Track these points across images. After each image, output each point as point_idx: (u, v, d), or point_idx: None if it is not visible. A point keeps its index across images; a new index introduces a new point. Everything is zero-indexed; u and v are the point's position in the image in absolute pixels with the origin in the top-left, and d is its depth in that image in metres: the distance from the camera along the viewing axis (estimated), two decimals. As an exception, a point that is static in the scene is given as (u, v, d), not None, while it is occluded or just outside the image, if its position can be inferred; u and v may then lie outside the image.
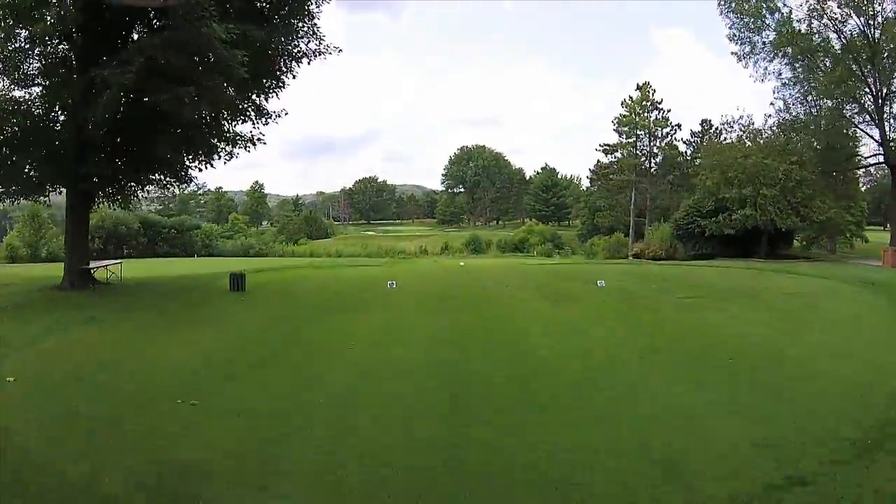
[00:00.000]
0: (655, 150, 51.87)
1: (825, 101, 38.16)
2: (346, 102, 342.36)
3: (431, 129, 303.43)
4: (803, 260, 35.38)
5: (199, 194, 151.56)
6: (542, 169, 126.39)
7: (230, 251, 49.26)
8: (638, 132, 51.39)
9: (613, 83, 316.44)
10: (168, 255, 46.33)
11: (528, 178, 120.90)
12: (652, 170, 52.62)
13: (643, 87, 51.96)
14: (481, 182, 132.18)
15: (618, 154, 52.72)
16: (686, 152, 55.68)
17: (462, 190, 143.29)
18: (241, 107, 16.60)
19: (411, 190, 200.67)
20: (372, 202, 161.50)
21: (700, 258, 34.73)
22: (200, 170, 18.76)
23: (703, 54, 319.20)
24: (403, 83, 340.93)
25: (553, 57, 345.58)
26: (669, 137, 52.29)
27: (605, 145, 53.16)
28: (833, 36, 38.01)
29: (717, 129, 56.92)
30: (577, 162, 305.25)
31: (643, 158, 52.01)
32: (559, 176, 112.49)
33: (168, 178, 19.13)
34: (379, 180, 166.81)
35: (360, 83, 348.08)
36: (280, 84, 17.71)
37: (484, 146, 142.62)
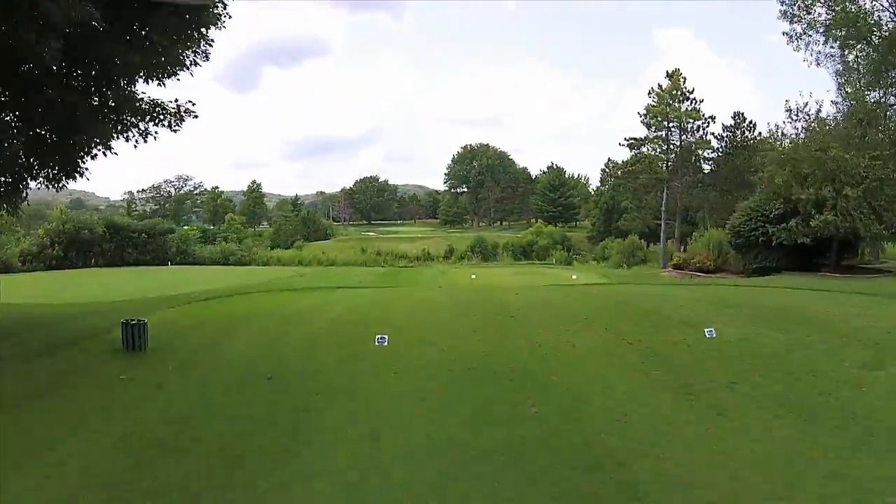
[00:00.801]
0: (687, 144, 44.71)
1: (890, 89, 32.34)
2: (347, 102, 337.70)
3: (433, 128, 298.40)
4: (883, 274, 28.85)
5: (196, 194, 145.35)
6: (547, 168, 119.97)
7: (209, 258, 42.58)
8: (668, 125, 44.41)
9: (614, 83, 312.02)
10: (138, 262, 39.75)
11: (533, 177, 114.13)
12: (670, 167, 45.54)
13: (674, 75, 45.07)
14: (485, 181, 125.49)
15: (645, 149, 45.59)
16: (718, 148, 48.80)
17: (465, 190, 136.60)
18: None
19: (413, 190, 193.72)
20: (373, 202, 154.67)
21: (762, 272, 28.10)
22: (94, 156, 12.08)
23: (705, 54, 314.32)
24: (405, 82, 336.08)
25: (554, 57, 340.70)
26: (702, 131, 45.42)
27: (632, 139, 46.12)
28: (887, 17, 32.42)
29: (751, 122, 50.38)
30: (578, 161, 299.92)
31: (673, 154, 44.98)
32: (566, 175, 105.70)
33: (53, 170, 12.40)
34: (380, 180, 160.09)
35: (362, 83, 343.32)
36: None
37: (488, 145, 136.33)
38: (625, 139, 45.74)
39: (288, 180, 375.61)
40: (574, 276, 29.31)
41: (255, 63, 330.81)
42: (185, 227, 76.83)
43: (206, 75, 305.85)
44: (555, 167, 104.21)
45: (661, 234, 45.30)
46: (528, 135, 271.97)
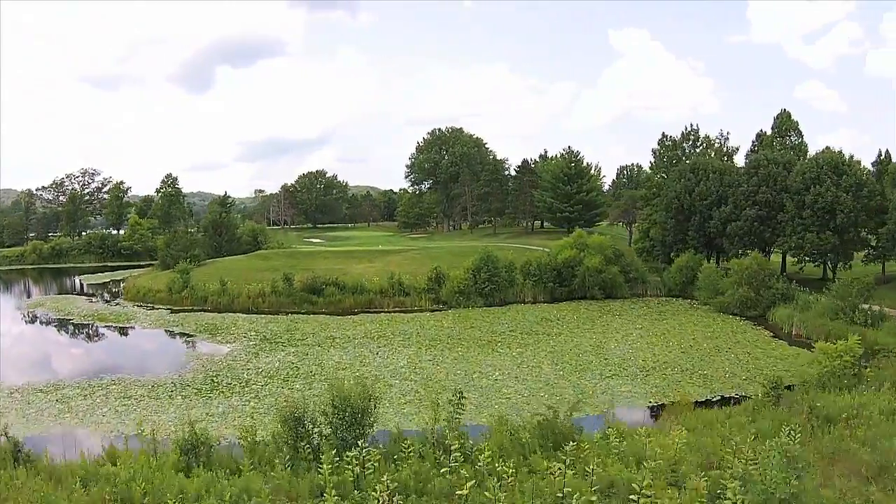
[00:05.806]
0: None
1: None
2: (302, 102, 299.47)
3: (389, 129, 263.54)
4: None
5: (105, 192, 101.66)
6: (542, 154, 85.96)
7: None
8: None
9: (573, 84, 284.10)
10: None
11: (529, 165, 79.19)
12: None
13: None
14: (460, 174, 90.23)
15: None
16: None
17: (431, 185, 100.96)
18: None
19: (366, 190, 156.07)
20: (319, 202, 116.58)
21: None
22: None
23: (663, 55, 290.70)
24: (361, 83, 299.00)
25: (513, 57, 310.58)
26: None
27: None
28: None
29: None
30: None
31: None
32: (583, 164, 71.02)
33: None
34: (328, 175, 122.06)
35: (317, 83, 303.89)
36: None
37: (461, 129, 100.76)
38: None
39: (243, 182, 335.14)
40: None
41: (209, 63, 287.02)
42: None
43: (161, 75, 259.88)
44: (571, 151, 69.58)
45: None
46: (489, 136, 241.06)
